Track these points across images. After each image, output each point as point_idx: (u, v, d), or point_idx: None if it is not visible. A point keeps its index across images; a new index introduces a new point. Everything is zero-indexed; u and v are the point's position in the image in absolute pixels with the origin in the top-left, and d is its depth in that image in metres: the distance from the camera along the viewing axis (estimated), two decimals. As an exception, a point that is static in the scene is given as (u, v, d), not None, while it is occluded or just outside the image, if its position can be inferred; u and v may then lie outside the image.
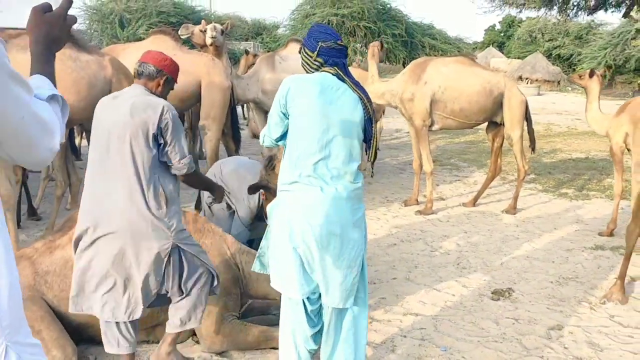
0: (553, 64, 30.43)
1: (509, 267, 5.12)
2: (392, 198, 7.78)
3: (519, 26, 34.43)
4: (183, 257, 2.93)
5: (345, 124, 2.69)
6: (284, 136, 2.80)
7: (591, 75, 6.40)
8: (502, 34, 46.68)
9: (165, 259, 2.83)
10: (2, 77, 1.06)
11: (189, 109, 7.08)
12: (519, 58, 33.13)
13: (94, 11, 23.54)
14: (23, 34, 4.76)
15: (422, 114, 6.78)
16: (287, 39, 9.05)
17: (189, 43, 7.61)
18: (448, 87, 6.70)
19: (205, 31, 6.63)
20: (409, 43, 25.08)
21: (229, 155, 6.58)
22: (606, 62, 22.48)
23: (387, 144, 12.63)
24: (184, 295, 2.99)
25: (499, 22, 40.34)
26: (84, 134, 8.93)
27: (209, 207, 4.50)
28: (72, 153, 6.00)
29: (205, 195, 4.50)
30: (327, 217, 2.65)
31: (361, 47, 26.56)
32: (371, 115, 2.76)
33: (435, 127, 6.98)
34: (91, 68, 4.71)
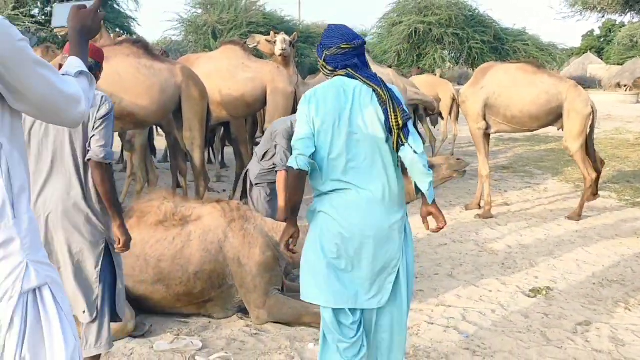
0: (656, 70, 28.96)
1: (555, 269, 5.26)
2: (456, 202, 8.00)
3: (619, 31, 33.08)
4: (114, 260, 2.94)
5: (365, 122, 2.69)
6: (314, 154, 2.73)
7: None
8: (601, 40, 44.76)
9: (98, 258, 2.85)
10: (29, 63, 1.53)
11: (255, 113, 7.69)
12: (619, 64, 31.69)
13: (189, 23, 25.03)
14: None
15: (474, 116, 7.06)
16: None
17: (259, 52, 8.24)
18: (502, 93, 6.93)
19: (273, 42, 7.20)
20: (500, 49, 24.78)
21: None
22: None
23: (464, 150, 12.74)
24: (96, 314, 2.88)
25: (599, 28, 39.05)
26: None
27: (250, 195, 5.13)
28: (150, 153, 6.73)
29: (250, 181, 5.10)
30: (360, 220, 2.70)
31: (449, 54, 26.48)
32: (387, 105, 2.68)
33: (491, 131, 7.22)
34: (163, 75, 5.38)
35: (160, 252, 3.89)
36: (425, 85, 11.68)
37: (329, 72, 2.80)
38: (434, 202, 2.79)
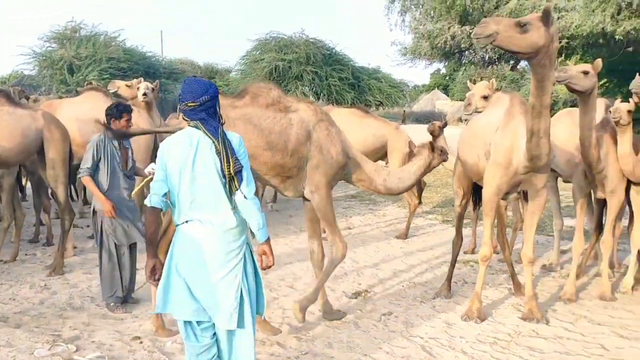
0: (493, 105, 32.90)
1: (376, 276, 6.64)
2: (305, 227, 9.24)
3: (460, 71, 37.46)
4: None
5: (204, 168, 3.23)
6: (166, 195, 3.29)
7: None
8: (447, 78, 49.93)
9: None
10: None
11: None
12: (461, 100, 35.67)
13: (44, 58, 24.71)
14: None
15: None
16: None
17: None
18: None
19: (136, 87, 8.13)
20: (356, 86, 26.94)
21: None
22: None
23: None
24: None
25: (444, 67, 43.72)
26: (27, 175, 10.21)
27: None
28: (18, 192, 7.33)
29: None
30: (200, 247, 3.26)
31: (310, 90, 28.26)
32: (222, 155, 3.18)
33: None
34: (25, 120, 6.20)
35: (271, 127, 4.85)
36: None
37: (185, 121, 3.35)
38: (267, 240, 3.39)
